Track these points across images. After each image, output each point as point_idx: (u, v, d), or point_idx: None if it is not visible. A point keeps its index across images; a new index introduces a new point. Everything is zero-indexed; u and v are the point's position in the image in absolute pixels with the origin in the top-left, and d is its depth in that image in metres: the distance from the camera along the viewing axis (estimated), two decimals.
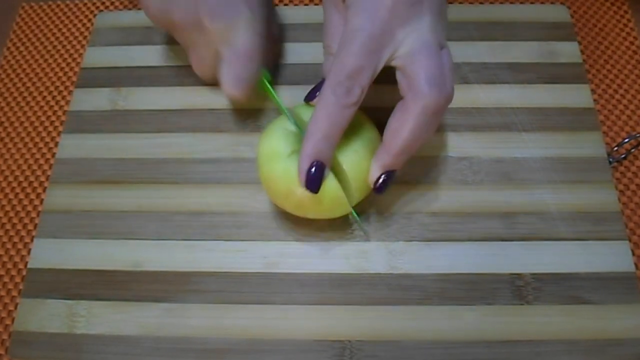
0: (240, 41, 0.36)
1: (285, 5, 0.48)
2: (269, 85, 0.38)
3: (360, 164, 0.32)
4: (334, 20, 0.34)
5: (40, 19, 0.49)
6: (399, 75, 0.30)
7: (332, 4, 0.34)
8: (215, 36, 0.36)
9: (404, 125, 0.29)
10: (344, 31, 0.30)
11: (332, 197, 0.32)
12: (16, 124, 0.44)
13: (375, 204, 0.38)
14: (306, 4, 0.49)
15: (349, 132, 0.32)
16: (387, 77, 0.31)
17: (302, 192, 0.31)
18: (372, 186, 0.32)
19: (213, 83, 0.40)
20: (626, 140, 0.39)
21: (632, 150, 0.40)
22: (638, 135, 0.39)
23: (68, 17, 0.49)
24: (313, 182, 0.30)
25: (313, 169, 0.30)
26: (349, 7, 0.30)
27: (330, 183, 0.32)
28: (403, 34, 0.29)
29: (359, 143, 0.33)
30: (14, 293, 0.38)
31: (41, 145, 0.43)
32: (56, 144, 0.43)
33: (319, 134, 0.29)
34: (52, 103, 0.45)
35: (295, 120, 0.35)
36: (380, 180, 0.31)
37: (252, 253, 0.36)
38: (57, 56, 0.47)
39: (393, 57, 0.30)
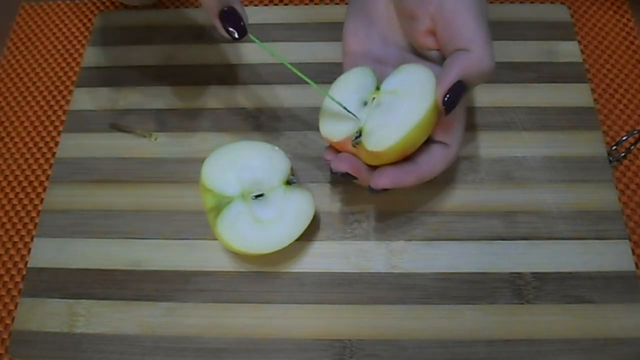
0: None
1: (286, 5, 0.48)
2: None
3: None
4: (360, 24, 0.35)
5: (41, 18, 0.49)
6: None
7: (360, 10, 0.35)
8: None
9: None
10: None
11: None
12: (16, 124, 0.44)
13: (375, 204, 0.38)
14: (306, 4, 0.49)
15: None
16: None
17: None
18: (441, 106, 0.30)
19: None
20: (625, 138, 0.39)
21: (632, 147, 0.40)
22: (636, 131, 0.39)
23: (68, 17, 0.49)
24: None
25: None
26: None
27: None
28: None
29: None
30: (14, 292, 0.38)
31: (41, 144, 0.43)
32: (56, 144, 0.43)
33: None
34: (52, 103, 0.45)
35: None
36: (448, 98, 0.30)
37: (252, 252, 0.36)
38: (57, 56, 0.47)
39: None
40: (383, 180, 0.31)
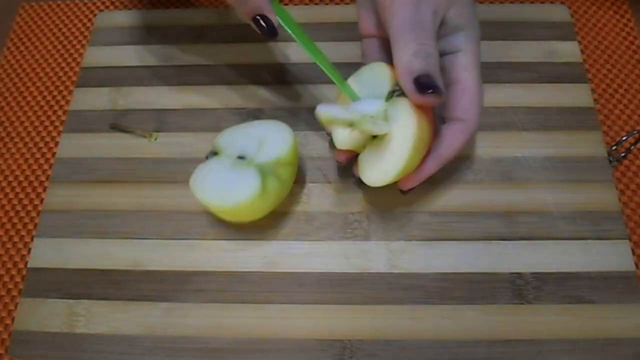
0: None
1: (286, 5, 0.48)
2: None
3: None
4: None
5: (40, 18, 0.49)
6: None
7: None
8: None
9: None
10: None
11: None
12: (16, 124, 0.44)
13: (375, 204, 0.38)
14: (306, 4, 0.49)
15: None
16: None
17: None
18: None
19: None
20: (625, 138, 0.39)
21: (632, 147, 0.40)
22: (636, 131, 0.39)
23: (68, 17, 0.49)
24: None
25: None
26: None
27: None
28: None
29: None
30: (14, 292, 0.38)
31: (41, 144, 0.43)
32: (56, 144, 0.43)
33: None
34: (52, 103, 0.45)
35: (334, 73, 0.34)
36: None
37: (252, 252, 0.36)
38: (57, 56, 0.47)
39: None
40: (409, 182, 0.33)
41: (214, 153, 0.35)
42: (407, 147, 0.30)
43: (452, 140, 0.32)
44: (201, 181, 0.34)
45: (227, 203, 0.33)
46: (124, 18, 0.47)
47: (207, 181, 0.34)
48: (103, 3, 0.50)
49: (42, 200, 0.40)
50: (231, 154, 0.35)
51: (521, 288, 0.35)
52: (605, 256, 0.36)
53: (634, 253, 0.36)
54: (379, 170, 0.31)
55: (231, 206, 0.33)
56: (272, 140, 0.35)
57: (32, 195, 0.41)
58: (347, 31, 0.44)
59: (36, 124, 0.44)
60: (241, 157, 0.35)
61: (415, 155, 0.30)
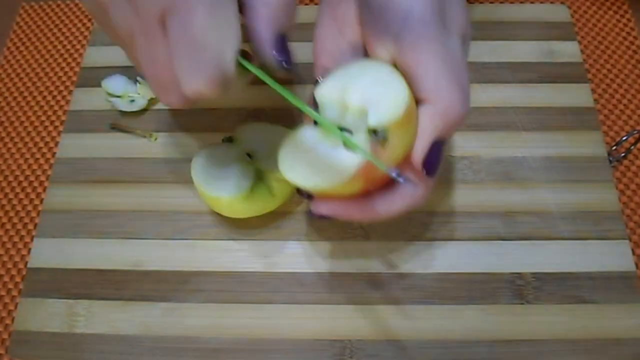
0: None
1: None
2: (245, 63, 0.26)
3: None
4: (328, 33, 0.30)
5: (41, 18, 0.49)
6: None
7: (330, 16, 0.30)
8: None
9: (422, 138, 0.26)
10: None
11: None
12: (16, 124, 0.44)
13: None
14: (306, 4, 0.49)
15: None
16: None
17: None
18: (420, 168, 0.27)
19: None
20: (625, 138, 0.39)
21: (632, 147, 0.40)
22: (636, 131, 0.39)
23: (68, 17, 0.49)
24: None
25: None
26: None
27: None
28: None
29: None
30: (14, 293, 0.38)
31: (41, 145, 0.43)
32: (56, 144, 0.43)
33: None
34: (52, 103, 0.45)
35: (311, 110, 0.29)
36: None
37: (252, 252, 0.36)
38: (57, 56, 0.47)
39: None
40: (323, 208, 0.28)
41: (230, 139, 0.36)
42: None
43: (422, 125, 0.26)
44: (201, 162, 0.34)
45: (210, 191, 0.33)
46: None
47: (205, 164, 0.34)
48: None
49: (42, 200, 0.40)
50: (243, 147, 0.35)
51: (521, 288, 0.35)
52: (605, 256, 0.36)
53: (634, 253, 0.36)
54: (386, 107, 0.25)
55: (212, 196, 0.33)
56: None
57: (32, 195, 0.41)
58: None
59: (36, 124, 0.44)
60: (249, 155, 0.35)
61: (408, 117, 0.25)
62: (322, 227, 0.37)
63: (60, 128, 0.43)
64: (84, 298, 0.35)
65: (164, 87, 0.25)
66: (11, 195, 0.41)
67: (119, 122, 0.41)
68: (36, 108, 0.45)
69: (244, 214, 0.35)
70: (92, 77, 0.44)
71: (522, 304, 0.34)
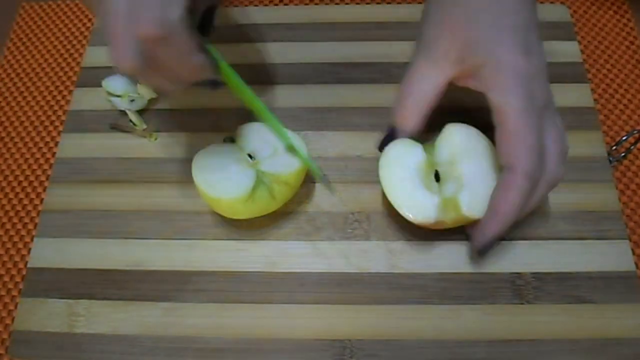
0: None
1: (286, 5, 0.49)
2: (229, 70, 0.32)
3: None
4: (428, 82, 0.33)
5: (41, 18, 0.50)
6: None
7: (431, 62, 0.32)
8: None
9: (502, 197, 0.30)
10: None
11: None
12: (16, 124, 0.44)
13: (375, 203, 0.38)
14: (306, 4, 0.49)
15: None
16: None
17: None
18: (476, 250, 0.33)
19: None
20: (625, 138, 0.39)
21: (632, 147, 0.40)
22: (636, 131, 0.39)
23: (68, 17, 0.49)
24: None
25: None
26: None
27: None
28: None
29: None
30: (14, 292, 0.38)
31: (41, 145, 0.43)
32: (56, 144, 0.43)
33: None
34: (52, 103, 0.45)
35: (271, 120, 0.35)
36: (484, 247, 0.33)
37: (252, 252, 0.36)
38: (57, 56, 0.47)
39: None
40: (479, 241, 0.33)
41: (232, 139, 0.36)
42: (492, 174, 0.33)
43: (503, 193, 0.30)
44: (202, 162, 0.34)
45: (211, 191, 0.33)
46: None
47: (206, 164, 0.34)
48: None
49: (42, 200, 0.40)
50: (244, 148, 0.35)
51: (521, 288, 0.35)
52: (605, 256, 0.36)
53: (634, 253, 0.36)
54: (477, 200, 0.32)
55: (213, 196, 0.33)
56: (284, 155, 0.35)
57: (32, 195, 0.41)
58: (347, 31, 0.44)
59: (36, 124, 0.44)
60: (250, 156, 0.35)
61: None
62: (322, 227, 0.37)
63: (60, 128, 0.43)
64: (84, 298, 0.35)
65: (116, 36, 0.25)
66: (11, 195, 0.41)
67: (119, 122, 0.41)
68: (36, 108, 0.45)
69: (245, 215, 0.35)
70: (92, 77, 0.44)
71: (521, 303, 0.34)
